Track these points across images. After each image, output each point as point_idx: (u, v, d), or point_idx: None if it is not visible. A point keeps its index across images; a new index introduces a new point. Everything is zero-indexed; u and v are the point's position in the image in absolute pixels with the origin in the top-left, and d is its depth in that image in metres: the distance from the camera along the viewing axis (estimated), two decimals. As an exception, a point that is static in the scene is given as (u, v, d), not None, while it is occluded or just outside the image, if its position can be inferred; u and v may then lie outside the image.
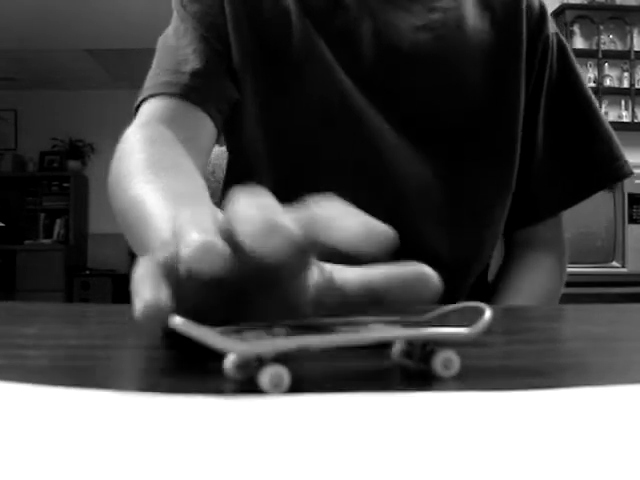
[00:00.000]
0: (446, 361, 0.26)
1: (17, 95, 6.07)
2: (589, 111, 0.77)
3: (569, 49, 0.78)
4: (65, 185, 5.90)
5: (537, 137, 0.75)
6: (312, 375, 0.26)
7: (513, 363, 0.29)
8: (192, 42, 0.68)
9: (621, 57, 3.54)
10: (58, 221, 5.93)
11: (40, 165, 6.07)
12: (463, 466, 0.15)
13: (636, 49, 3.50)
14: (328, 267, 0.31)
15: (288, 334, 0.25)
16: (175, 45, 0.69)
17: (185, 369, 0.28)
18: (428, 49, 0.69)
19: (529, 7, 0.74)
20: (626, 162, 0.76)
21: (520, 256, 0.79)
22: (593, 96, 0.78)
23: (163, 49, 0.70)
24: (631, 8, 3.52)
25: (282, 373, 0.23)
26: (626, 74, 3.53)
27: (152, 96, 0.66)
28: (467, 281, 0.74)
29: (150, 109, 0.66)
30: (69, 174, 5.92)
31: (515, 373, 0.27)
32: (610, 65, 3.53)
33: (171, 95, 0.66)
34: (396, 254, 0.75)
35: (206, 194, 0.49)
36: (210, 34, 0.69)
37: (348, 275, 0.30)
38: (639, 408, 0.21)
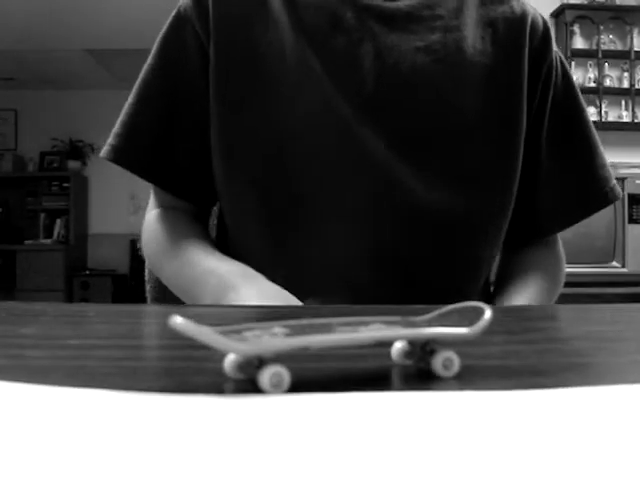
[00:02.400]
0: (446, 361, 0.26)
1: (17, 95, 6.07)
2: (589, 133, 0.77)
3: (568, 68, 0.78)
4: (65, 185, 5.90)
5: (541, 157, 0.75)
6: (312, 375, 0.26)
7: (513, 363, 0.29)
8: (152, 97, 0.72)
9: (621, 57, 3.54)
10: (58, 221, 5.92)
11: (40, 165, 6.07)
12: (463, 466, 0.15)
13: (636, 49, 3.50)
14: None
15: (288, 334, 0.25)
16: (139, 95, 0.72)
17: (185, 369, 0.28)
18: (427, 72, 0.68)
19: (533, 26, 0.73)
20: (615, 184, 0.78)
21: (521, 255, 0.79)
22: (589, 116, 0.79)
23: (133, 93, 0.73)
24: (631, 8, 3.52)
25: (282, 373, 0.23)
26: (626, 74, 3.53)
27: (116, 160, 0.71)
28: (470, 292, 0.73)
29: (156, 196, 0.77)
30: (69, 174, 5.92)
31: (515, 373, 0.27)
32: (610, 65, 3.52)
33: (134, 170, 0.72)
34: (391, 277, 0.71)
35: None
36: (175, 87, 0.71)
37: None
38: (639, 408, 0.21)
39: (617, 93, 3.52)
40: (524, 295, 0.73)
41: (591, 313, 0.51)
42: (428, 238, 0.69)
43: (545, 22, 0.76)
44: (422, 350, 0.27)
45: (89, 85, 6.02)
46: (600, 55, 3.47)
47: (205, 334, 0.23)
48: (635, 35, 3.52)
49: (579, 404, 0.21)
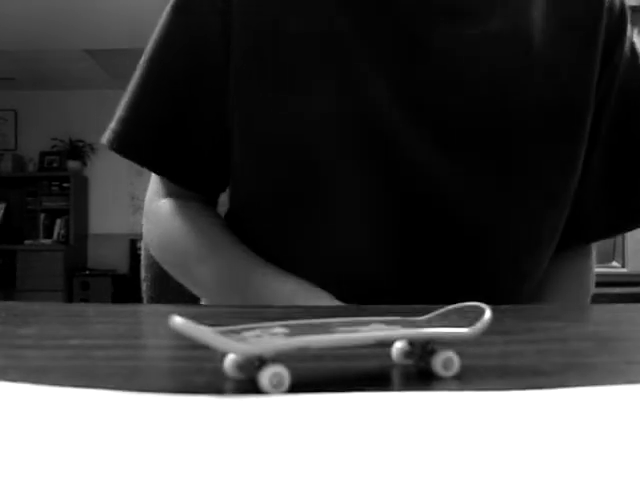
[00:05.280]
0: (446, 361, 0.26)
1: (17, 95, 6.07)
2: None
3: None
4: (65, 185, 5.90)
5: (594, 157, 0.66)
6: (312, 375, 0.26)
7: (513, 363, 0.29)
8: (157, 90, 0.65)
9: (621, 57, 3.54)
10: (58, 221, 5.92)
11: (40, 165, 6.07)
12: (463, 466, 0.15)
13: (636, 49, 3.50)
14: None
15: (288, 334, 0.25)
16: (146, 76, 0.65)
17: (185, 369, 0.28)
18: (487, 62, 0.60)
19: (611, 5, 0.64)
20: None
21: (557, 264, 0.71)
22: None
23: (136, 74, 0.66)
24: (631, 8, 3.51)
25: (282, 373, 0.23)
26: (626, 74, 3.53)
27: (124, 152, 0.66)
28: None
29: (158, 184, 0.70)
30: (69, 174, 5.92)
31: (515, 373, 0.27)
32: (610, 65, 3.52)
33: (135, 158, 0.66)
34: (429, 283, 0.63)
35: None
36: (186, 68, 0.63)
37: None
38: (639, 408, 0.21)
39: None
40: None
41: (591, 313, 0.51)
42: (462, 248, 0.61)
43: (623, 4, 0.67)
44: (422, 350, 0.27)
45: (89, 85, 6.02)
46: (600, 55, 3.47)
47: (205, 334, 0.23)
48: (635, 35, 3.52)
49: (579, 404, 0.21)
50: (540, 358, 0.30)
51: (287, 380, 0.23)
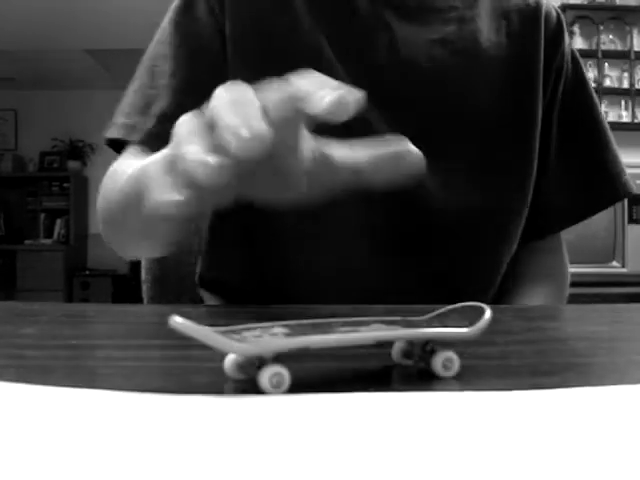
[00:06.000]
0: (446, 361, 0.26)
1: (17, 95, 6.07)
2: (600, 127, 0.75)
3: (580, 60, 0.75)
4: (65, 185, 5.90)
5: (550, 151, 0.73)
6: (312, 375, 0.26)
7: (513, 363, 0.29)
8: (168, 74, 0.64)
9: (621, 57, 3.54)
10: (58, 221, 5.92)
11: (40, 165, 6.07)
12: (463, 465, 0.15)
13: (636, 49, 3.50)
14: (319, 142, 0.34)
15: (288, 334, 0.25)
16: (151, 73, 0.65)
17: (185, 369, 0.28)
18: (445, 64, 0.66)
19: (547, 17, 0.71)
20: (628, 180, 0.75)
21: (527, 263, 0.77)
22: (601, 109, 0.76)
23: (142, 70, 0.66)
24: (631, 8, 3.52)
25: (282, 373, 0.23)
26: (626, 74, 3.53)
27: (122, 140, 0.63)
28: (487, 294, 0.71)
29: (123, 154, 0.64)
30: (69, 174, 5.92)
31: (515, 373, 0.27)
32: (610, 65, 3.52)
33: (138, 143, 0.61)
34: (412, 270, 0.67)
35: None
36: (193, 62, 0.64)
37: (338, 153, 0.34)
38: (639, 408, 0.21)
39: (617, 93, 3.51)
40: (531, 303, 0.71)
41: (591, 313, 0.51)
42: (443, 237, 0.66)
43: (559, 13, 0.73)
44: (422, 350, 0.27)
45: (89, 85, 6.02)
46: (600, 55, 3.47)
47: (205, 334, 0.23)
48: (635, 35, 3.52)
49: (579, 404, 0.21)
50: (540, 358, 0.30)
51: (287, 380, 0.23)
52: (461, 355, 0.26)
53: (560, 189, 0.75)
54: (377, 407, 0.21)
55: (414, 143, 0.65)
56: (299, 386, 0.23)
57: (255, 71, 0.64)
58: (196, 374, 0.27)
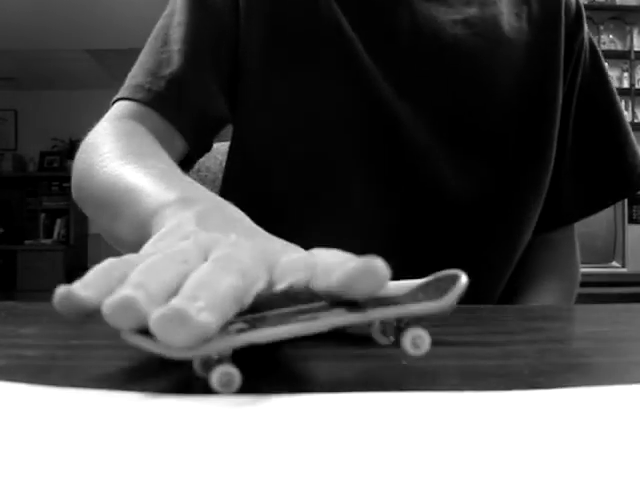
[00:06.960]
0: (415, 339, 0.24)
1: (17, 95, 6.08)
2: (618, 117, 0.75)
3: (599, 51, 0.75)
4: (65, 185, 5.90)
5: (567, 141, 0.73)
6: (312, 375, 0.26)
7: (513, 363, 0.29)
8: (181, 39, 0.63)
9: (621, 57, 3.54)
10: (58, 221, 5.93)
11: (40, 165, 6.07)
12: (463, 466, 0.15)
13: (636, 49, 3.50)
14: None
15: (243, 329, 0.23)
16: (163, 37, 0.64)
17: (185, 369, 0.28)
18: (467, 44, 0.65)
19: (567, 5, 0.71)
20: None
21: (540, 256, 0.77)
22: (619, 101, 0.76)
23: (153, 38, 0.66)
24: (631, 8, 3.52)
25: (232, 372, 0.22)
26: (626, 74, 3.53)
27: (126, 99, 0.62)
28: (499, 286, 0.71)
29: (121, 109, 0.63)
30: (69, 174, 5.92)
31: (515, 373, 0.27)
32: (610, 65, 3.52)
33: (144, 103, 0.61)
34: (424, 259, 0.68)
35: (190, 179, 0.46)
36: (207, 31, 0.64)
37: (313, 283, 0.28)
38: (639, 408, 0.21)
39: (617, 93, 3.52)
40: (543, 300, 0.71)
41: (591, 313, 0.51)
42: (457, 223, 0.66)
43: (578, 2, 0.73)
44: (397, 328, 0.25)
45: (89, 85, 6.03)
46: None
47: (142, 339, 0.22)
48: (635, 35, 3.52)
49: (579, 405, 0.21)
50: (540, 358, 0.30)
51: (237, 380, 0.22)
52: (461, 355, 0.26)
53: (577, 178, 0.74)
54: (377, 407, 0.21)
55: (431, 124, 0.64)
56: (298, 386, 0.23)
57: (267, 49, 0.64)
58: (196, 374, 0.27)
